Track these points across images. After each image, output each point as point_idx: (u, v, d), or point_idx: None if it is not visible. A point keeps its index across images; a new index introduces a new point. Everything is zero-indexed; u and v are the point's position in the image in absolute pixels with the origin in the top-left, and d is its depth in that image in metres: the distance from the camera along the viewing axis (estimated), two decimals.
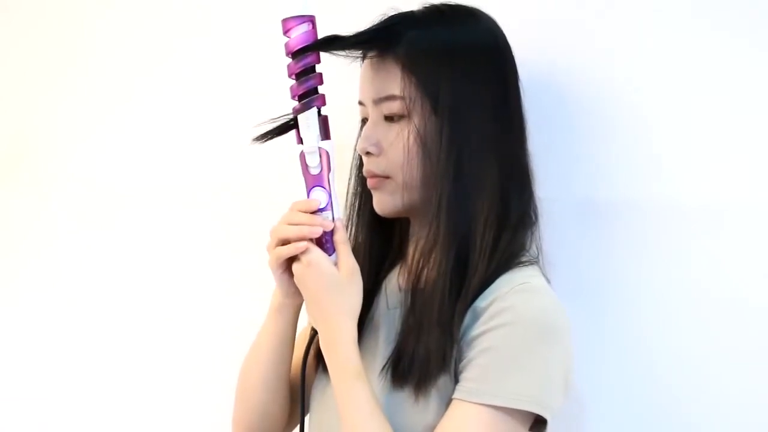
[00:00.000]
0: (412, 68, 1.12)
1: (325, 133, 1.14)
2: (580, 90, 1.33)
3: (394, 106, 1.13)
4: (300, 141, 1.14)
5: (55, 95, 1.64)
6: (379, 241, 1.26)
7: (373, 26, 1.16)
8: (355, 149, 1.25)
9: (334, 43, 1.12)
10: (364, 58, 1.18)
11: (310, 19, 1.11)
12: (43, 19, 1.63)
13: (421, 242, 1.14)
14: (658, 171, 1.29)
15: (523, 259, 1.14)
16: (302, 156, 1.14)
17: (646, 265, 1.30)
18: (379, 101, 1.15)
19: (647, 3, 1.29)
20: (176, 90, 1.57)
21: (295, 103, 1.13)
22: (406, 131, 1.13)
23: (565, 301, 1.11)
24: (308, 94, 1.12)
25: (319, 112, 1.13)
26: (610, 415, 1.33)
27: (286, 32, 1.11)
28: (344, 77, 1.21)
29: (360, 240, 1.26)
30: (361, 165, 1.23)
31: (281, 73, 1.19)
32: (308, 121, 1.12)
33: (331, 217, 1.14)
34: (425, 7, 1.18)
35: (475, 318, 1.09)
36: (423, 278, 1.13)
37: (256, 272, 1.38)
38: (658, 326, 1.30)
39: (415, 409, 1.10)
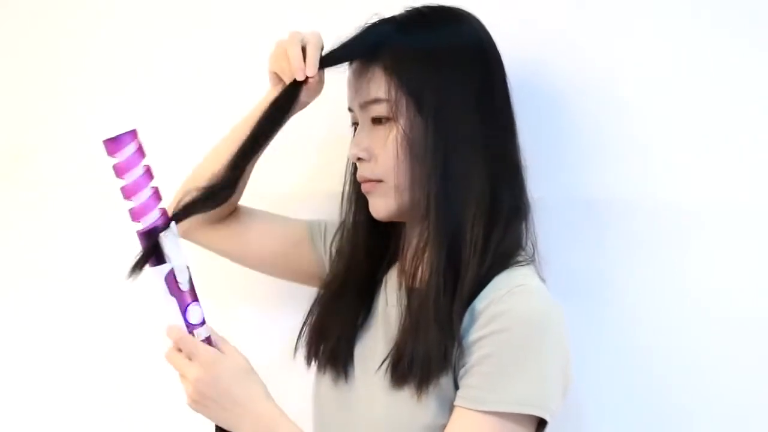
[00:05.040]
0: (394, 71, 1.13)
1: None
2: (574, 88, 1.33)
3: (380, 109, 1.14)
4: (159, 262, 1.06)
5: (55, 95, 1.63)
6: (376, 244, 1.26)
7: (352, 38, 1.17)
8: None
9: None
10: (351, 63, 1.19)
11: (132, 135, 1.04)
12: (42, 20, 1.63)
13: (414, 242, 1.15)
14: (654, 170, 1.29)
15: (519, 258, 1.15)
16: (170, 275, 1.06)
17: (641, 264, 1.30)
18: (365, 105, 1.16)
19: (643, 1, 1.29)
20: (177, 91, 1.56)
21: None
22: (393, 134, 1.14)
23: (561, 300, 1.11)
24: (153, 214, 1.05)
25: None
26: (606, 414, 1.33)
27: (111, 154, 1.04)
28: (341, 81, 1.21)
29: (358, 243, 1.26)
30: (355, 170, 1.23)
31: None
32: (170, 238, 1.06)
33: (209, 331, 1.10)
34: (407, 11, 1.19)
35: (473, 320, 1.09)
36: (418, 277, 1.14)
37: (251, 274, 1.39)
38: (653, 325, 1.30)
39: (415, 409, 1.10)
